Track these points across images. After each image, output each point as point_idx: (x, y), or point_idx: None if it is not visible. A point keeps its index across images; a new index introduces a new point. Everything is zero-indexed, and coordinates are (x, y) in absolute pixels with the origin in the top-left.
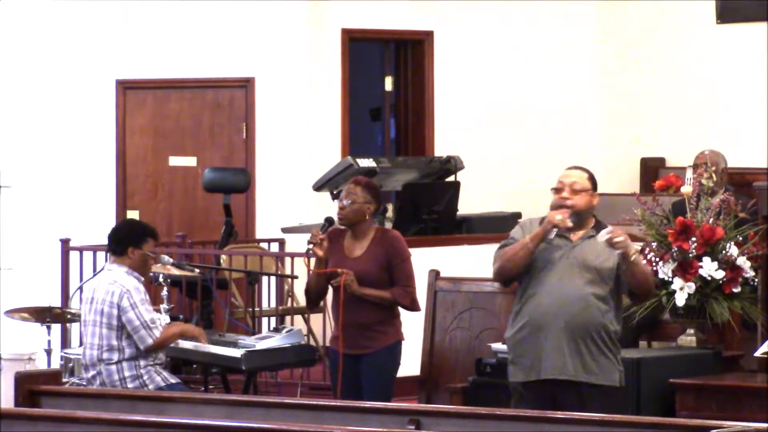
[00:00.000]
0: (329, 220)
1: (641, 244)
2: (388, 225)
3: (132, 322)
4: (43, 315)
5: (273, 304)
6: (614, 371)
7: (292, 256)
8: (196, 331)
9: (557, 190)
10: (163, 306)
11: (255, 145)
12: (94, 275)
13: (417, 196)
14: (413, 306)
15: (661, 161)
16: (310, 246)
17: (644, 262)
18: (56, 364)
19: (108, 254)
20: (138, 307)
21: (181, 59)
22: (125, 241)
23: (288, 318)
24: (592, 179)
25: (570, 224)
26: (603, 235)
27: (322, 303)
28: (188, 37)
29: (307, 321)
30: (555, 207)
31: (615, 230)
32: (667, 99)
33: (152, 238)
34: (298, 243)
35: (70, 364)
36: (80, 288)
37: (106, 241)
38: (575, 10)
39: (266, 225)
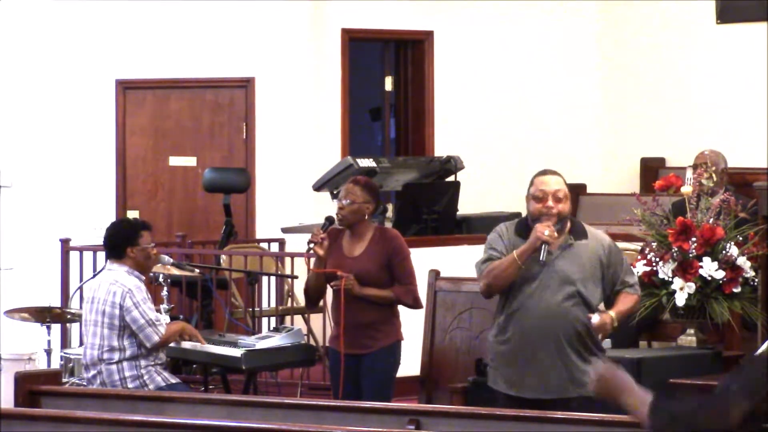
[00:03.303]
0: (330, 219)
1: (641, 244)
2: (388, 225)
3: (137, 321)
4: (43, 315)
5: (273, 304)
6: None
7: (292, 256)
8: (193, 331)
9: (539, 199)
10: (163, 306)
11: (255, 145)
12: (95, 275)
13: (417, 196)
14: (416, 304)
15: (661, 161)
16: (312, 245)
17: (629, 306)
18: (56, 364)
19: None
20: (141, 305)
21: (181, 59)
22: (121, 243)
23: (288, 318)
24: (565, 182)
25: (557, 236)
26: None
27: (321, 303)
28: (188, 37)
29: (307, 321)
30: (539, 217)
31: (602, 325)
32: (667, 99)
33: (146, 230)
34: (298, 243)
35: (70, 364)
36: (80, 288)
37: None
38: (575, 10)
39: (266, 225)
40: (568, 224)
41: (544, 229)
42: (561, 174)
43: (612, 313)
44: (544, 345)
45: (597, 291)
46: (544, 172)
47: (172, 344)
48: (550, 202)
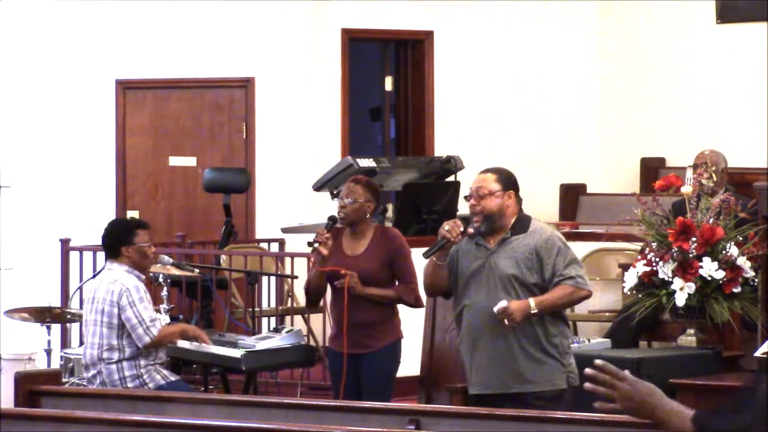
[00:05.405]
0: (333, 219)
1: (641, 244)
2: (388, 225)
3: (130, 320)
4: (43, 315)
5: (273, 304)
6: (556, 374)
7: (292, 256)
8: (198, 332)
9: (467, 198)
10: (163, 306)
11: (255, 145)
12: (95, 275)
13: (417, 196)
14: (417, 303)
15: (661, 161)
16: (316, 245)
17: (556, 295)
18: (56, 364)
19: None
20: (136, 305)
21: (181, 59)
22: (116, 243)
23: (288, 318)
24: (502, 180)
25: (459, 234)
26: (497, 309)
27: (321, 303)
28: (188, 37)
29: (307, 321)
30: (471, 215)
31: (506, 308)
32: (667, 99)
33: (141, 228)
34: (298, 243)
35: (70, 364)
36: (80, 288)
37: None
38: (575, 9)
39: (266, 225)
40: (511, 221)
41: (445, 225)
42: (498, 172)
43: (531, 300)
44: (486, 342)
45: (535, 278)
46: (482, 171)
47: (171, 344)
48: (473, 200)
